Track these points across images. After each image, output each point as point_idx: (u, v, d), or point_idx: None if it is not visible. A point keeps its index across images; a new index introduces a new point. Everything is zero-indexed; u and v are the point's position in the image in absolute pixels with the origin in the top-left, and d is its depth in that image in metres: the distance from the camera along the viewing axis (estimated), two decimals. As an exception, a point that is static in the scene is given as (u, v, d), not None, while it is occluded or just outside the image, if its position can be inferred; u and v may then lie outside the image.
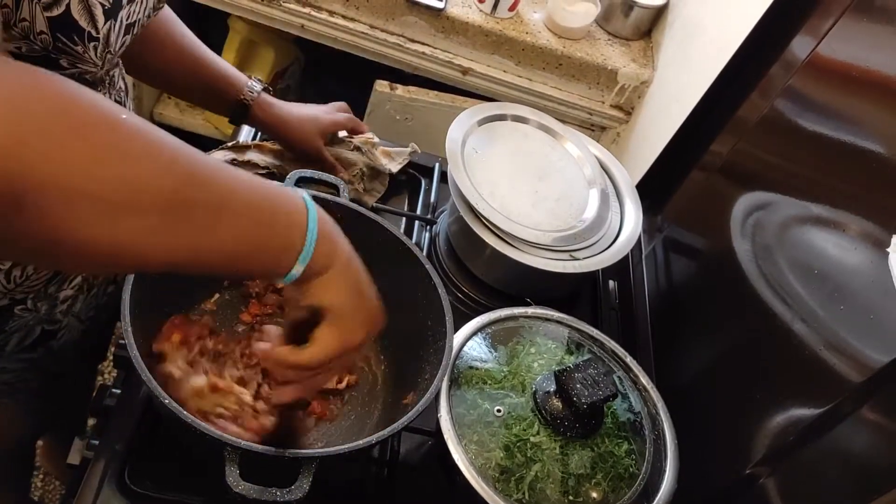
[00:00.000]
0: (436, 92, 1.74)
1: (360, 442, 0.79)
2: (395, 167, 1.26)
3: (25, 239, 0.50)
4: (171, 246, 0.56)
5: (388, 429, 0.82)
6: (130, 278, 0.81)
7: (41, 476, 1.78)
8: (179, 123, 1.91)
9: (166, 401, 0.74)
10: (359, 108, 1.75)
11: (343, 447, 0.80)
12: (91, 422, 1.57)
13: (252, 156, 1.15)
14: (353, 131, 1.23)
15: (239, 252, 0.61)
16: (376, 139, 1.25)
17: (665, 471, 0.91)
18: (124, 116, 0.53)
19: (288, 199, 0.64)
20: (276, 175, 1.15)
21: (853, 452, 0.81)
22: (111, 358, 0.99)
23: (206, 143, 1.11)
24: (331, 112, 1.20)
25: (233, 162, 1.13)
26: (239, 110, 1.09)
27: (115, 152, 0.52)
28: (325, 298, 0.68)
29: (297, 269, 0.64)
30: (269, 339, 0.74)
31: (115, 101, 0.87)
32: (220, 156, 1.13)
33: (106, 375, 1.75)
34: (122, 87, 0.90)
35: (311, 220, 0.64)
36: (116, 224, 0.52)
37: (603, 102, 1.76)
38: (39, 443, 1.63)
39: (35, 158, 0.47)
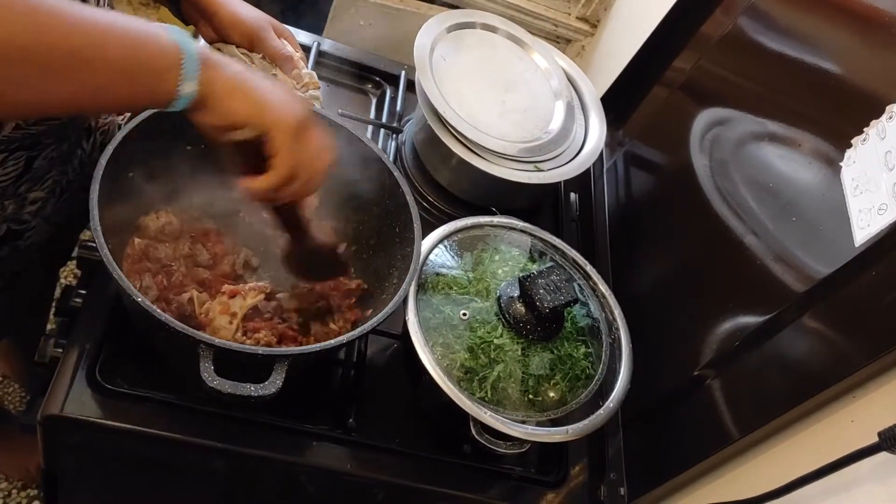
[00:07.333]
0: (402, -3, 1.70)
1: (332, 342, 0.82)
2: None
3: None
4: (40, 91, 0.59)
5: (357, 330, 0.84)
6: (98, 178, 0.80)
7: (-1, 379, 1.79)
8: (132, 22, 1.84)
9: (139, 299, 0.75)
10: (322, 13, 1.71)
11: (314, 346, 0.83)
12: (51, 326, 1.57)
13: None
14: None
15: (119, 90, 0.64)
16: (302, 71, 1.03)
17: (619, 372, 0.96)
18: None
19: (160, 33, 0.64)
20: None
21: (792, 357, 0.87)
22: (75, 260, 0.99)
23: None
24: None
25: None
26: None
27: None
28: (234, 112, 0.68)
29: (189, 87, 0.65)
30: None
31: None
32: None
33: (64, 279, 1.73)
34: None
35: (187, 47, 0.65)
36: None
37: (569, 14, 1.74)
38: (-2, 345, 1.63)
39: None
